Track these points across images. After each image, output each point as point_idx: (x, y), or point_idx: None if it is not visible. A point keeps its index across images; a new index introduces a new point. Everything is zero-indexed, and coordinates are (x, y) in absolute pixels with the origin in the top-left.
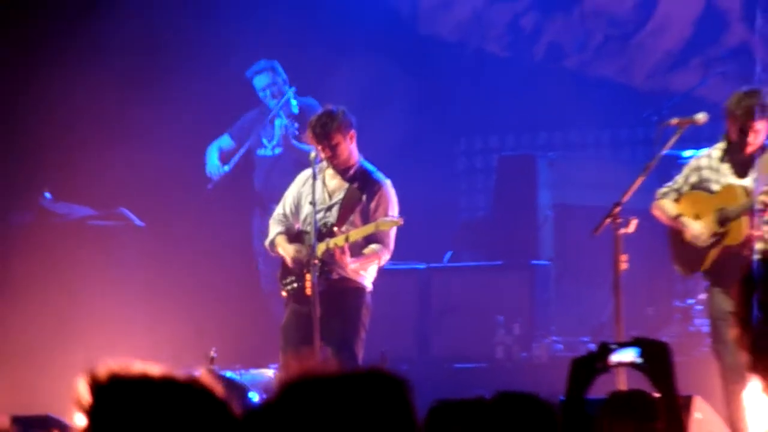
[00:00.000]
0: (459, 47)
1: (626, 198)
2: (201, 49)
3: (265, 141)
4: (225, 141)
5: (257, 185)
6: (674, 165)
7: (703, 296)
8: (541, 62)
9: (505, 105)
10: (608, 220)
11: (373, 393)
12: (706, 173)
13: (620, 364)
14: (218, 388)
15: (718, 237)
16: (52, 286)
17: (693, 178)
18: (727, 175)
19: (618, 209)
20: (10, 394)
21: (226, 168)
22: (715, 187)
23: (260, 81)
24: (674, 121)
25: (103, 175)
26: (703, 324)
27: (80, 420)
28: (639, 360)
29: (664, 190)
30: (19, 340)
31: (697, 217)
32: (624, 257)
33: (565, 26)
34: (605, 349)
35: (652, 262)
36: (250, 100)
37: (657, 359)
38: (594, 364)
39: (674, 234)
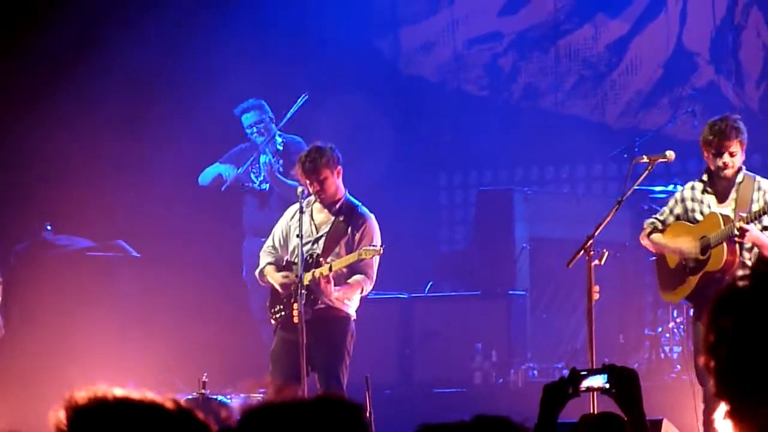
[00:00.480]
0: (439, 87)
1: (598, 231)
2: (190, 87)
3: (252, 176)
4: (219, 168)
5: (246, 218)
6: (645, 199)
7: (671, 325)
8: (518, 101)
9: (483, 142)
10: (581, 253)
11: (328, 417)
12: (689, 204)
13: (590, 389)
14: (198, 413)
15: (700, 264)
16: (53, 313)
17: (677, 210)
18: (709, 205)
19: (591, 242)
20: (10, 418)
21: (240, 170)
22: (699, 216)
23: (248, 119)
24: (645, 158)
25: (102, 208)
26: (672, 351)
27: None
28: (608, 386)
29: (650, 220)
30: (19, 364)
31: None
32: (596, 288)
33: (540, 67)
34: (576, 375)
35: (623, 292)
36: (238, 135)
37: (625, 385)
38: (565, 389)
39: (660, 262)
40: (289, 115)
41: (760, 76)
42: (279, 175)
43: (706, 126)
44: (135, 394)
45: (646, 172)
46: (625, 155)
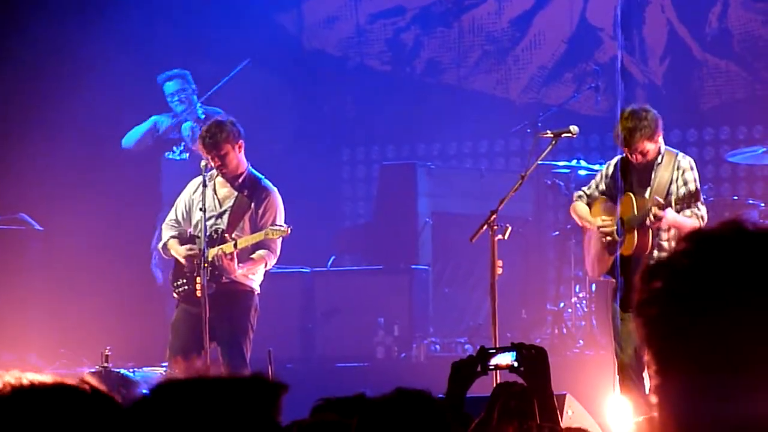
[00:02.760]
0: (342, 62)
1: (501, 206)
2: (99, 56)
3: (175, 147)
4: (151, 120)
5: (164, 188)
6: (548, 174)
7: (574, 300)
8: (421, 76)
9: (386, 117)
10: (484, 228)
11: (235, 393)
12: (611, 181)
13: (498, 367)
14: (103, 387)
15: (617, 244)
16: None
17: (602, 186)
18: (629, 184)
19: (494, 217)
20: None
21: (173, 121)
22: (619, 195)
23: (170, 87)
24: (548, 132)
25: (3, 180)
26: (573, 326)
27: None
28: (516, 364)
29: (579, 193)
30: None
31: None
32: (499, 263)
33: (444, 42)
34: (484, 353)
35: (526, 267)
36: (149, 104)
37: (534, 363)
38: (473, 367)
39: (585, 236)
40: (223, 81)
41: (663, 51)
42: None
43: (620, 116)
44: (46, 378)
45: (550, 147)
46: (529, 130)
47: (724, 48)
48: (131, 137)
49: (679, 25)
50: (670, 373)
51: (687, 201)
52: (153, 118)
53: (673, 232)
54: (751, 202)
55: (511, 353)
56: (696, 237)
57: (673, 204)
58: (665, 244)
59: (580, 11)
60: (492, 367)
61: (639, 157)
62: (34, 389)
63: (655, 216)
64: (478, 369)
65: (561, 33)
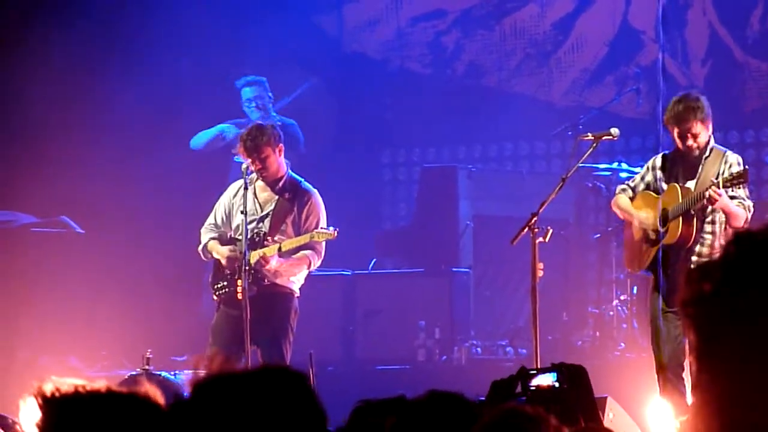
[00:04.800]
0: (383, 65)
1: (542, 209)
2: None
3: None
4: (219, 127)
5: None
6: (589, 177)
7: (615, 303)
8: (462, 79)
9: (427, 120)
10: (525, 230)
11: (275, 386)
12: (659, 173)
13: (539, 388)
14: (156, 396)
15: (659, 235)
16: None
17: (648, 177)
18: (674, 177)
19: (535, 219)
20: None
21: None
22: (664, 186)
23: (248, 92)
24: (589, 135)
25: (46, 184)
26: (615, 328)
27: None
28: (557, 384)
29: (622, 186)
30: None
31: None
32: (540, 265)
33: (485, 45)
34: (525, 374)
35: (567, 270)
36: (195, 108)
37: (575, 381)
38: (513, 386)
39: (626, 230)
40: (290, 99)
41: (705, 54)
42: None
43: (669, 104)
44: (102, 385)
45: (591, 149)
46: (570, 133)
47: (765, 50)
48: (200, 139)
49: (721, 27)
50: (716, 374)
51: (736, 181)
52: (220, 126)
53: (716, 226)
54: None
55: (552, 374)
56: (746, 238)
57: (721, 185)
58: (708, 237)
59: (623, 14)
60: (533, 387)
61: (690, 140)
62: (92, 397)
63: (710, 197)
64: (519, 390)
65: (603, 36)
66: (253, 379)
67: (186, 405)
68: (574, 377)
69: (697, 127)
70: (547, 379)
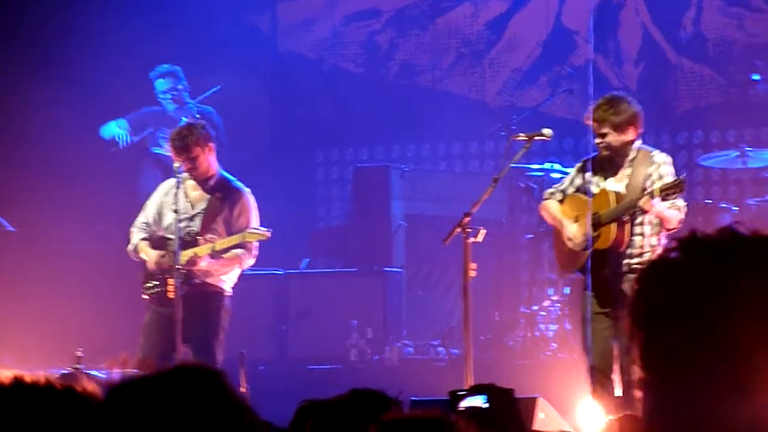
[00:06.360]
0: (317, 63)
1: (475, 209)
2: (73, 54)
3: (162, 142)
4: (122, 123)
5: (145, 186)
6: (522, 177)
7: (547, 303)
8: (396, 78)
9: (361, 119)
10: (458, 230)
11: (189, 386)
12: (588, 175)
13: (469, 409)
14: (95, 391)
15: (591, 240)
16: None
17: (577, 180)
18: (603, 179)
19: (467, 219)
20: None
21: (134, 138)
22: (594, 189)
23: (163, 84)
24: (522, 135)
25: None
26: (545, 329)
27: None
28: (487, 405)
29: (551, 190)
30: None
31: (576, 219)
32: (473, 265)
33: (419, 44)
34: (455, 396)
35: (500, 270)
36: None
37: (502, 404)
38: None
39: (556, 234)
40: (198, 99)
41: (638, 55)
42: None
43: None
44: (26, 376)
45: (523, 149)
46: (503, 133)
47: (698, 52)
48: (106, 132)
49: (654, 28)
50: (661, 375)
51: (672, 191)
52: (115, 128)
53: (645, 227)
54: (723, 206)
55: (481, 396)
56: (693, 244)
57: (655, 195)
58: (637, 239)
59: (556, 14)
60: (462, 409)
61: (598, 139)
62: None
63: (643, 206)
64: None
65: (536, 36)
66: (167, 379)
67: (100, 408)
68: (504, 400)
69: (605, 128)
70: (476, 401)
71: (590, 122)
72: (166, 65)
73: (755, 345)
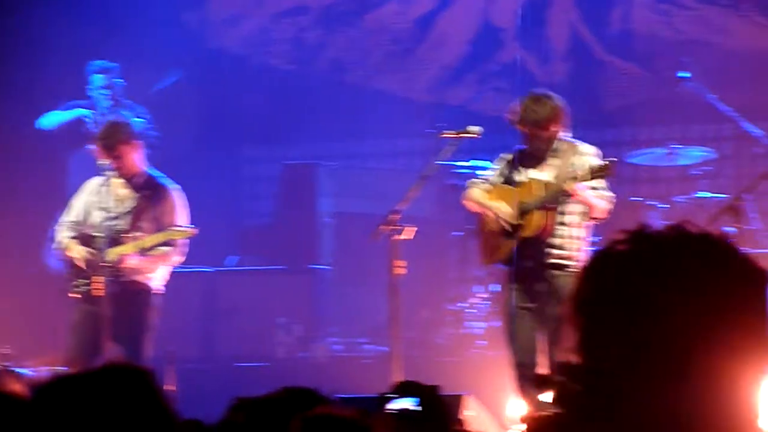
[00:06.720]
0: (246, 60)
1: (403, 206)
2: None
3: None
4: (79, 111)
5: (77, 180)
6: (450, 175)
7: (474, 300)
8: (324, 75)
9: (289, 116)
10: (385, 227)
11: (116, 384)
12: (513, 166)
13: (400, 412)
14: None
15: (516, 229)
16: None
17: (504, 171)
18: (528, 169)
19: (395, 217)
20: None
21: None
22: (519, 178)
23: (99, 80)
24: (450, 133)
25: None
26: (472, 327)
27: None
28: (417, 408)
29: (475, 180)
30: None
31: None
32: (401, 263)
33: (347, 41)
34: (383, 398)
35: (427, 267)
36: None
37: (427, 401)
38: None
39: (480, 224)
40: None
41: (566, 52)
42: None
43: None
44: None
45: (451, 147)
46: (431, 130)
47: (626, 49)
48: (52, 120)
49: (582, 26)
50: (606, 368)
51: (601, 173)
52: (79, 111)
53: (571, 217)
54: (649, 203)
55: (413, 399)
56: (643, 237)
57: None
58: (562, 229)
59: (484, 12)
60: (394, 411)
61: (532, 138)
62: None
63: (568, 190)
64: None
65: (464, 33)
66: (94, 378)
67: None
68: (429, 398)
69: (528, 125)
70: (407, 403)
71: (514, 119)
72: (103, 61)
73: (696, 336)
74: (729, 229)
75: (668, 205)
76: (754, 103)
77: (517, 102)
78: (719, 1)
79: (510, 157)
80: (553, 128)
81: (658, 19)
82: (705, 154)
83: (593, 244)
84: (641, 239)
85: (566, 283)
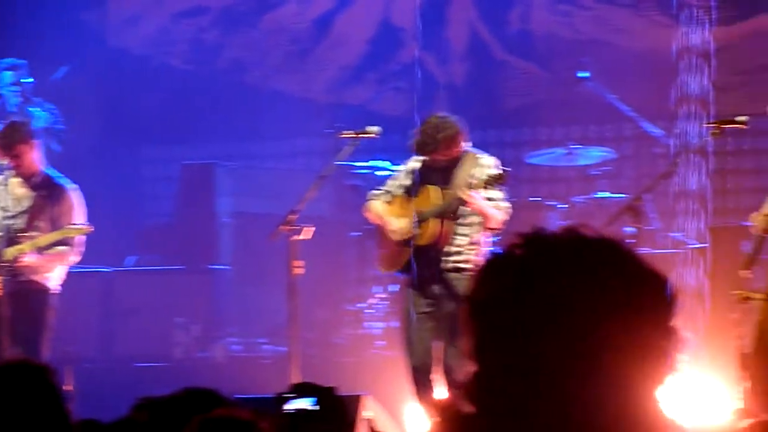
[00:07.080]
0: (145, 60)
1: (301, 206)
2: None
3: None
4: None
5: None
6: (348, 175)
7: (372, 300)
8: (223, 76)
9: (188, 116)
10: (284, 227)
11: (13, 381)
12: (416, 177)
13: (298, 411)
14: None
15: (413, 237)
16: None
17: (406, 182)
18: (431, 181)
19: (293, 217)
20: None
21: None
22: (418, 188)
23: (9, 77)
24: (349, 133)
25: None
26: (371, 327)
27: None
28: (318, 407)
29: (377, 192)
30: None
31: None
32: (299, 263)
33: (246, 42)
34: (281, 398)
35: (326, 267)
36: None
37: (324, 402)
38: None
39: (380, 234)
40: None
41: (465, 52)
42: None
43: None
44: None
45: (350, 147)
46: (330, 130)
47: (526, 49)
48: None
49: (481, 25)
50: (505, 373)
51: (493, 182)
52: None
53: (469, 228)
54: (549, 203)
55: (311, 399)
56: (537, 241)
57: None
58: (459, 239)
59: (383, 11)
60: (292, 411)
61: (432, 160)
62: None
63: (463, 198)
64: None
65: (363, 33)
66: None
67: None
68: (326, 399)
69: (435, 156)
70: (304, 403)
71: (412, 147)
72: (12, 58)
73: (592, 339)
74: (629, 230)
75: (568, 206)
76: (654, 103)
77: (416, 128)
78: (619, 0)
79: (410, 167)
80: (453, 149)
81: (558, 19)
82: (604, 154)
83: (493, 245)
84: (536, 243)
85: (463, 285)
